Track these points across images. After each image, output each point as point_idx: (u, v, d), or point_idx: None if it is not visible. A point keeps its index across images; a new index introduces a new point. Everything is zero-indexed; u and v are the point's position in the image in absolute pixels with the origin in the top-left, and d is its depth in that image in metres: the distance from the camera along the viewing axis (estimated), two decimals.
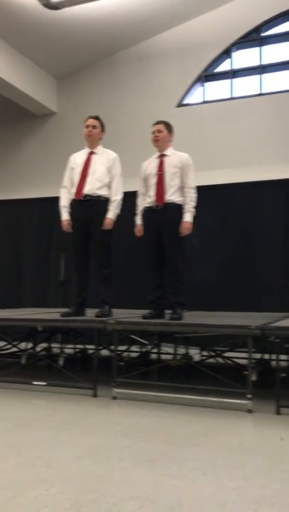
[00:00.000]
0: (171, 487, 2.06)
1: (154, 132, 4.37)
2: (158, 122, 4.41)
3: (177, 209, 4.23)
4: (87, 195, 4.30)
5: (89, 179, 4.32)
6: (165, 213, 4.21)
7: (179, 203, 4.24)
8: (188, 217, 4.22)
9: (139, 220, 4.44)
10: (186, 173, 4.26)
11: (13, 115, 8.86)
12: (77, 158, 4.50)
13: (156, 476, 2.19)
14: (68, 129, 8.36)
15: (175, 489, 2.03)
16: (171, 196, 4.22)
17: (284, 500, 1.93)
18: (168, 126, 4.39)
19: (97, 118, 4.48)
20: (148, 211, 4.33)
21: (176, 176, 4.25)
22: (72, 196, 4.39)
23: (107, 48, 8.15)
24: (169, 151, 4.37)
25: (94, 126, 4.43)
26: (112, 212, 4.31)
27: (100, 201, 4.31)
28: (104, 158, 4.41)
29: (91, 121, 4.44)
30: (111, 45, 8.06)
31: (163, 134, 4.35)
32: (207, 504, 1.89)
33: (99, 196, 4.31)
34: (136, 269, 7.34)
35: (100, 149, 4.48)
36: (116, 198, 4.35)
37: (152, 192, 4.28)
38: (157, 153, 4.41)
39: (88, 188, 4.31)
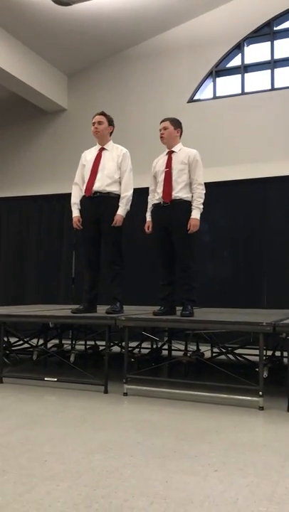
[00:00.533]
0: (183, 483, 2.06)
1: (160, 130, 4.36)
2: (163, 120, 4.40)
3: (185, 205, 4.20)
4: (97, 192, 4.31)
5: (99, 176, 4.32)
6: (173, 210, 4.19)
7: (187, 199, 4.22)
8: (195, 213, 4.19)
9: (148, 216, 4.43)
10: (194, 169, 4.24)
11: (23, 112, 8.89)
12: (88, 155, 4.50)
13: (167, 472, 2.19)
14: (79, 125, 8.38)
15: (186, 486, 2.03)
16: (179, 193, 4.20)
17: None
18: (174, 122, 4.37)
19: (102, 114, 4.46)
20: (156, 208, 4.32)
21: (183, 172, 4.23)
22: (83, 193, 4.40)
23: (118, 44, 8.13)
24: (177, 148, 4.35)
25: (100, 122, 4.42)
26: (121, 209, 4.30)
27: (110, 198, 4.31)
28: (114, 154, 4.40)
29: (96, 118, 4.43)
30: (121, 41, 8.05)
31: (169, 130, 4.33)
32: (218, 501, 1.89)
33: (109, 193, 4.31)
34: (147, 266, 7.34)
35: (110, 145, 4.47)
36: (126, 194, 4.34)
37: (160, 189, 4.27)
38: (166, 150, 4.39)
39: (98, 185, 4.31)
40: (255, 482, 2.08)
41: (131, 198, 4.38)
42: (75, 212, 4.44)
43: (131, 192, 4.37)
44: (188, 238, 4.21)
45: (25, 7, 6.84)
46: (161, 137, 4.36)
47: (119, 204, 4.31)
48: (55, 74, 8.48)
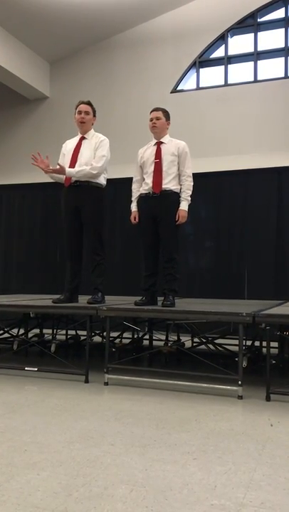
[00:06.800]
0: (162, 471, 2.08)
1: (152, 119, 4.31)
2: (156, 109, 4.35)
3: (174, 197, 4.21)
4: (77, 181, 4.27)
5: (77, 165, 4.28)
6: (161, 201, 4.19)
7: (176, 190, 4.23)
8: (184, 205, 4.21)
9: (134, 206, 4.41)
10: (184, 161, 4.24)
11: (4, 99, 8.76)
12: (69, 145, 4.46)
13: (147, 460, 2.21)
14: (61, 114, 8.30)
15: (166, 473, 2.06)
16: (168, 184, 4.20)
17: (272, 483, 1.96)
18: (166, 114, 4.35)
19: (89, 103, 4.40)
20: (144, 198, 4.30)
21: (173, 164, 4.23)
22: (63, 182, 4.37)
23: (101, 32, 8.04)
24: (166, 139, 4.33)
25: (87, 112, 4.36)
26: (72, 170, 4.21)
27: (90, 187, 4.27)
28: (93, 142, 4.35)
29: (84, 107, 4.36)
30: (105, 29, 7.96)
31: (161, 121, 4.30)
32: (197, 488, 1.92)
33: (88, 182, 4.27)
34: (130, 257, 7.35)
35: (90, 134, 4.42)
36: (85, 168, 4.20)
37: (149, 179, 4.25)
38: (154, 141, 4.36)
39: None
40: (233, 469, 2.12)
41: (86, 174, 4.22)
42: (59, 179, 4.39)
43: (89, 171, 4.22)
44: (175, 229, 4.23)
45: None
46: (153, 127, 4.31)
47: (74, 168, 4.23)
48: (38, 61, 8.36)
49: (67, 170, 4.22)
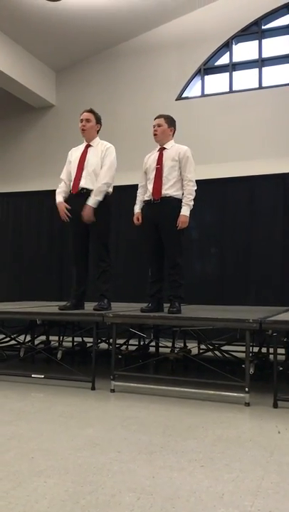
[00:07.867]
0: (169, 479, 2.07)
1: (154, 126, 4.35)
2: (158, 116, 4.39)
3: (175, 202, 4.20)
4: (83, 188, 4.30)
5: (84, 173, 4.31)
6: (162, 207, 4.20)
7: (177, 196, 4.21)
8: (185, 210, 4.18)
9: (137, 208, 4.42)
10: (185, 166, 4.23)
11: (11, 108, 8.83)
12: (75, 153, 4.50)
13: (154, 468, 2.20)
14: (67, 122, 8.34)
15: (173, 481, 2.05)
16: (168, 190, 4.20)
17: (280, 491, 1.95)
18: (168, 120, 4.36)
19: (91, 111, 4.43)
20: (147, 205, 4.32)
21: (174, 169, 4.23)
22: (70, 189, 4.40)
23: (107, 41, 8.10)
24: (169, 145, 4.35)
25: (87, 120, 4.40)
26: (91, 200, 4.24)
27: None
28: (99, 150, 4.38)
29: (84, 115, 4.41)
30: (111, 37, 8.02)
31: (162, 128, 4.33)
32: (204, 496, 1.90)
33: None
34: (135, 263, 7.36)
35: (96, 142, 4.45)
36: (99, 186, 4.26)
37: (150, 186, 4.27)
38: (158, 147, 4.39)
39: (84, 182, 4.30)
40: (241, 477, 2.10)
41: (103, 190, 4.28)
42: (58, 199, 4.41)
43: (104, 185, 4.28)
44: (177, 235, 4.21)
45: (14, 1, 6.78)
46: (154, 134, 4.34)
47: (91, 195, 4.26)
48: (44, 69, 8.43)
49: (90, 204, 4.22)
